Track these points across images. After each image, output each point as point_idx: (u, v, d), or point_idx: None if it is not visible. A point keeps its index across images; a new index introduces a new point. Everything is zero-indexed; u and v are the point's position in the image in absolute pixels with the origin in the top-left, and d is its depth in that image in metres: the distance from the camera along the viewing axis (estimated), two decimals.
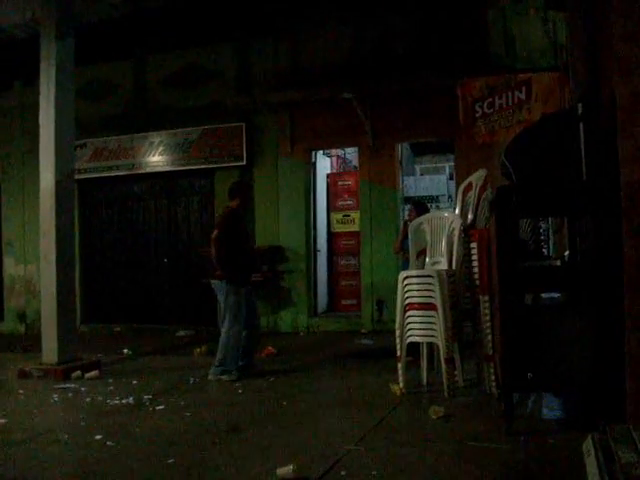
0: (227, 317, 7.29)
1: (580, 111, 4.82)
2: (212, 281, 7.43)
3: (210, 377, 7.31)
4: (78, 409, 6.16)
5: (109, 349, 9.70)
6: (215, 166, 12.17)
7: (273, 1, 10.68)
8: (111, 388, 7.07)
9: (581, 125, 4.69)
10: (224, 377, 7.23)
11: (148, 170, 12.66)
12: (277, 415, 5.68)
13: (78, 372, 7.68)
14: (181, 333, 11.54)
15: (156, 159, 12.53)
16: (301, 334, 11.21)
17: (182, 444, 4.88)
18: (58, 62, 8.02)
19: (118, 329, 12.43)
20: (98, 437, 5.06)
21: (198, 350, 9.23)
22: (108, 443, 4.90)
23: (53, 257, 7.89)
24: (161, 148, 12.46)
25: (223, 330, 7.34)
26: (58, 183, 7.95)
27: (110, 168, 12.86)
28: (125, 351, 9.57)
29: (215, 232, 7.26)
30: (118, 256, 13.22)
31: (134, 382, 7.35)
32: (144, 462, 4.48)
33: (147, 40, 11.79)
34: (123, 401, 6.37)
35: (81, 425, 5.54)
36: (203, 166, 12.23)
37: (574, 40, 6.94)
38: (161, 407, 6.08)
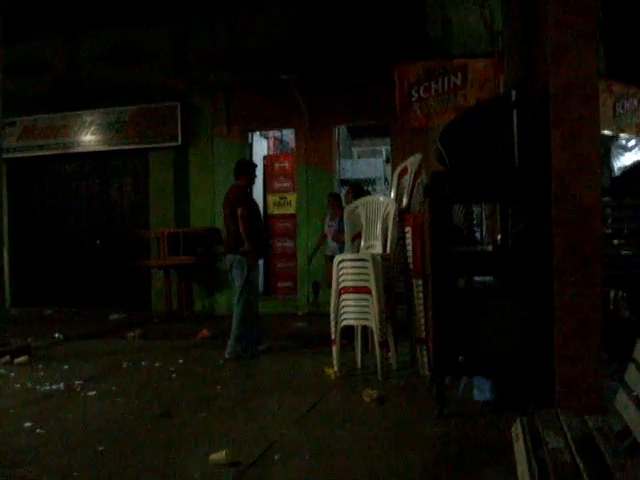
0: (244, 289, 7.30)
1: (514, 98, 4.90)
2: (230, 256, 7.44)
3: (227, 356, 7.24)
4: (6, 395, 6.00)
5: (40, 333, 9.45)
6: (149, 146, 11.98)
7: None
8: (41, 373, 6.91)
9: (514, 112, 4.76)
10: (246, 355, 7.29)
11: (80, 150, 12.38)
12: (211, 400, 5.64)
13: (7, 357, 7.48)
14: (114, 316, 11.33)
15: (88, 138, 12.25)
16: None
17: (113, 431, 4.81)
18: None
19: (49, 312, 12.14)
20: (27, 424, 4.95)
21: (132, 334, 9.10)
22: (38, 430, 4.81)
23: None
24: (93, 127, 12.19)
25: (238, 304, 7.33)
26: None
27: (41, 147, 12.52)
28: (56, 335, 9.33)
29: (240, 210, 7.29)
30: (49, 238, 12.88)
31: (65, 367, 7.19)
32: (74, 449, 4.40)
33: (80, 16, 11.41)
34: (53, 387, 6.24)
35: (10, 412, 5.40)
36: (137, 146, 12.02)
37: (509, 27, 7.01)
38: (93, 393, 5.97)
